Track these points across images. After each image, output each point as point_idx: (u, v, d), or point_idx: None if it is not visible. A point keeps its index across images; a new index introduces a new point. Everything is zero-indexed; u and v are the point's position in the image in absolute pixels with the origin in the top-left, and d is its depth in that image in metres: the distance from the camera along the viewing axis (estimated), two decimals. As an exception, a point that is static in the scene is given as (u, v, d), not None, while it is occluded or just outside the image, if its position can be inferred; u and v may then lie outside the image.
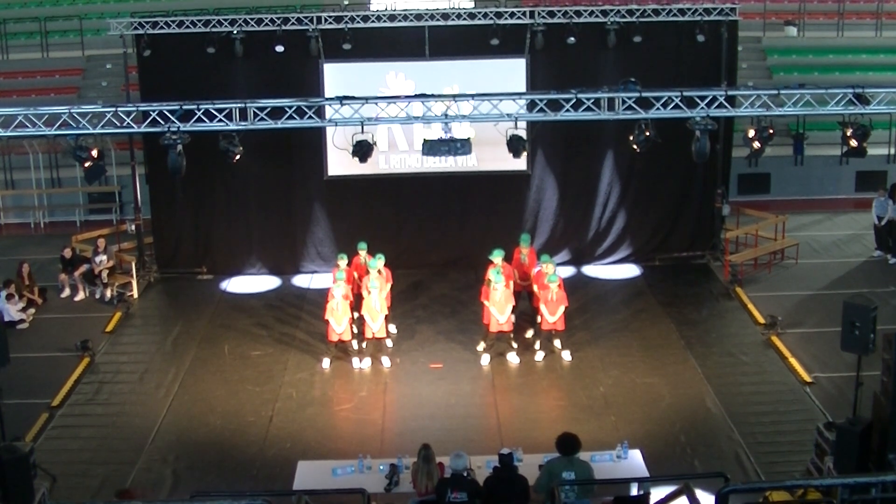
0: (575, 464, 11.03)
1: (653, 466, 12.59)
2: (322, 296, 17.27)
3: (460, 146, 13.49)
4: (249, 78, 19.36)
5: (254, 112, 12.84)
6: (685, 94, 12.85)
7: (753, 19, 27.07)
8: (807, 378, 15.57)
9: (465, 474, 11.14)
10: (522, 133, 14.35)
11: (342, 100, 12.83)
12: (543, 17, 19.27)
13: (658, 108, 12.85)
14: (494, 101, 13.07)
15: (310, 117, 12.96)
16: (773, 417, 14.58)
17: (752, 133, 14.59)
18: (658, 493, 10.66)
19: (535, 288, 16.87)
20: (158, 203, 20.51)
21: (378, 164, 19.79)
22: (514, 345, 16.58)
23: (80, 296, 19.58)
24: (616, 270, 20.54)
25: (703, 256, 20.76)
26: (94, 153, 13.56)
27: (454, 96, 13.30)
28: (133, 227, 20.83)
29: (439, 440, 12.86)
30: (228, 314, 18.82)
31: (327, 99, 13.65)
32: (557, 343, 16.53)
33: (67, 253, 19.93)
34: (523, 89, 19.32)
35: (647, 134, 13.89)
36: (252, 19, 19.15)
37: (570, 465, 11.00)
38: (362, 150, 13.62)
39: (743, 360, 16.46)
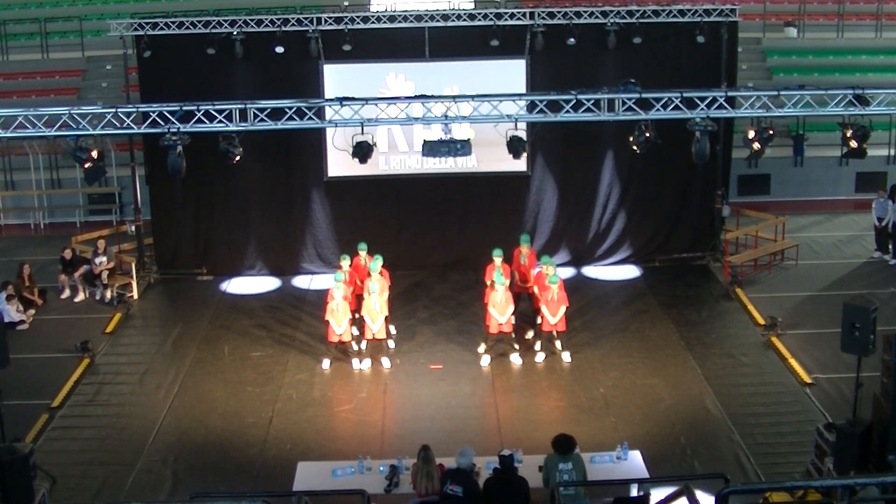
0: (570, 457, 11.27)
1: (653, 467, 12.59)
2: (322, 297, 17.27)
3: (460, 147, 13.49)
4: (249, 79, 19.36)
5: (254, 113, 12.85)
6: (685, 95, 12.86)
7: (753, 20, 27.08)
8: (807, 379, 15.57)
9: (470, 470, 11.18)
10: (522, 134, 14.35)
11: (342, 101, 12.83)
12: (543, 18, 19.28)
13: (658, 109, 12.86)
14: (494, 102, 13.07)
15: (310, 118, 12.97)
16: (772, 418, 14.58)
17: (751, 134, 14.59)
18: (658, 494, 10.67)
19: (536, 289, 16.88)
20: (158, 204, 20.51)
21: (378, 165, 19.79)
22: (517, 346, 16.58)
23: (80, 297, 19.58)
24: (616, 271, 20.54)
25: (702, 257, 20.75)
26: (94, 154, 13.55)
27: (454, 97, 13.31)
28: (133, 228, 20.85)
29: (439, 441, 12.88)
30: (228, 315, 18.82)
31: (327, 100, 13.67)
32: (558, 344, 16.52)
33: (67, 254, 19.93)
34: (523, 90, 19.32)
35: (647, 135, 13.89)
36: (252, 20, 19.16)
37: (565, 459, 11.25)
38: (362, 151, 13.62)
39: (743, 361, 16.46)
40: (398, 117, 13.17)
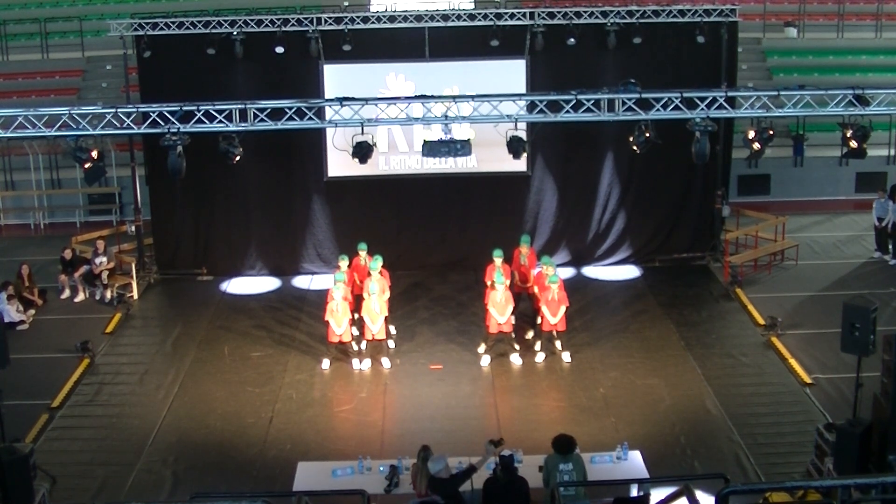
0: (570, 457, 11.31)
1: (653, 468, 12.59)
2: (322, 297, 17.27)
3: (460, 147, 13.49)
4: (249, 79, 19.36)
5: (254, 113, 12.84)
6: (685, 95, 12.85)
7: (753, 20, 27.08)
8: (807, 379, 15.57)
9: (448, 475, 11.13)
10: (522, 134, 14.34)
11: (342, 101, 12.83)
12: (543, 18, 19.28)
13: (658, 110, 12.85)
14: (494, 102, 13.07)
15: (310, 118, 12.96)
16: (772, 419, 14.59)
17: (752, 134, 14.58)
18: (658, 494, 10.66)
19: (536, 289, 16.88)
20: (158, 204, 20.51)
21: (378, 166, 19.79)
22: (517, 346, 16.57)
23: (80, 297, 19.58)
24: (616, 272, 20.53)
25: (702, 258, 20.75)
26: (94, 154, 13.54)
27: (454, 97, 13.30)
28: (133, 228, 20.85)
29: (439, 441, 12.88)
30: (228, 315, 18.82)
31: (327, 100, 13.66)
32: (558, 344, 16.52)
33: (67, 254, 19.94)
34: (523, 90, 19.33)
35: (647, 135, 13.89)
36: (252, 20, 19.16)
37: (565, 459, 11.29)
38: (362, 151, 13.61)
39: (743, 361, 16.46)
40: (398, 117, 13.16)
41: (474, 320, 17.74)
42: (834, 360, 15.64)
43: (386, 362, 16.52)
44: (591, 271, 20.57)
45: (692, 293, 19.36)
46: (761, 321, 17.71)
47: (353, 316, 16.62)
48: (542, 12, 19.36)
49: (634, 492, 11.34)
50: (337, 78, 19.58)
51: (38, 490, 11.93)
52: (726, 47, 19.64)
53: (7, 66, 27.23)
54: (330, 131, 17.53)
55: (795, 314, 17.97)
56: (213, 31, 19.04)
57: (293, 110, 12.89)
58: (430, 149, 13.65)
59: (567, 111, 12.93)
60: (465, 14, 19.33)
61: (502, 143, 14.19)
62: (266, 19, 19.17)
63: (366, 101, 12.90)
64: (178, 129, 12.82)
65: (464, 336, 17.47)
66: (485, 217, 20.40)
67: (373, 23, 19.29)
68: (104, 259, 19.69)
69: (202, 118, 12.82)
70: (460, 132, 17.50)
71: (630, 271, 20.56)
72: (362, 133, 13.35)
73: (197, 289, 20.18)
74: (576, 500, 11.08)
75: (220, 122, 12.84)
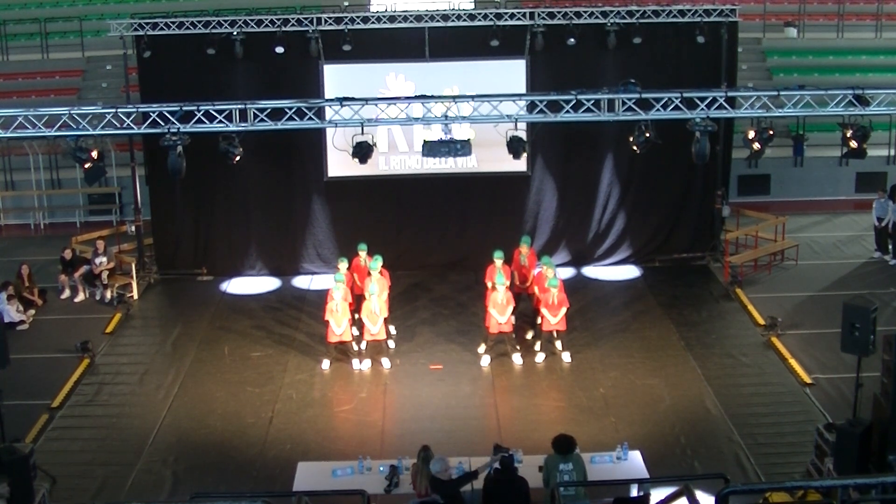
0: (570, 457, 11.32)
1: (653, 467, 12.60)
2: (322, 297, 17.26)
3: (460, 147, 13.49)
4: (249, 79, 19.37)
5: (254, 113, 12.85)
6: (685, 95, 12.86)
7: (753, 20, 27.09)
8: (807, 379, 15.57)
9: (447, 476, 11.14)
10: (522, 134, 14.34)
11: (342, 101, 12.83)
12: (543, 18, 19.28)
13: (658, 110, 12.85)
14: (494, 102, 13.06)
15: (310, 118, 12.96)
16: (773, 419, 14.59)
17: (752, 134, 14.59)
18: (658, 494, 10.67)
19: (536, 289, 16.89)
20: (158, 204, 20.52)
21: (378, 166, 19.80)
22: (517, 346, 16.57)
23: (80, 297, 19.58)
24: (616, 272, 20.53)
25: (703, 258, 20.75)
26: (94, 154, 13.54)
27: (454, 97, 13.30)
28: (133, 229, 20.84)
29: (439, 441, 12.89)
30: (228, 315, 18.82)
31: (327, 100, 13.66)
32: (558, 344, 16.52)
33: (67, 254, 19.94)
34: (523, 90, 19.33)
35: (647, 135, 13.88)
36: (252, 20, 19.16)
37: (565, 459, 11.30)
38: (362, 151, 13.61)
39: (743, 361, 16.46)
40: (398, 117, 13.16)
41: (474, 320, 17.74)
42: (834, 360, 15.64)
43: (386, 362, 16.52)
44: (591, 271, 20.57)
45: (692, 293, 19.36)
46: (761, 321, 17.71)
47: (353, 316, 16.62)
48: (542, 12, 19.36)
49: (634, 492, 11.35)
50: (337, 78, 19.59)
51: (38, 490, 11.94)
52: (726, 47, 19.64)
53: (7, 66, 27.23)
54: (330, 131, 17.53)
55: (795, 314, 17.97)
56: (213, 31, 19.04)
57: (293, 110, 12.89)
58: (430, 149, 13.65)
59: (567, 111, 12.93)
60: (465, 14, 19.33)
61: (502, 143, 14.19)
62: (266, 19, 19.17)
63: (366, 101, 12.90)
64: (178, 129, 12.83)
65: (464, 336, 17.47)
66: (485, 217, 20.41)
67: (373, 23, 19.29)
68: (104, 259, 19.69)
69: (202, 118, 12.82)
70: (460, 132, 17.50)
71: (630, 271, 20.56)
72: (362, 133, 13.35)
73: (197, 289, 20.18)
74: (576, 500, 11.09)
75: (220, 122, 12.85)
